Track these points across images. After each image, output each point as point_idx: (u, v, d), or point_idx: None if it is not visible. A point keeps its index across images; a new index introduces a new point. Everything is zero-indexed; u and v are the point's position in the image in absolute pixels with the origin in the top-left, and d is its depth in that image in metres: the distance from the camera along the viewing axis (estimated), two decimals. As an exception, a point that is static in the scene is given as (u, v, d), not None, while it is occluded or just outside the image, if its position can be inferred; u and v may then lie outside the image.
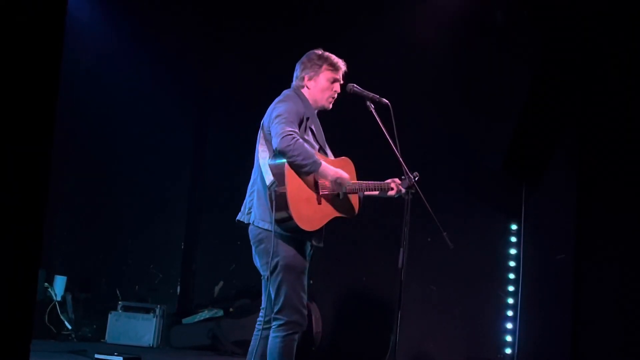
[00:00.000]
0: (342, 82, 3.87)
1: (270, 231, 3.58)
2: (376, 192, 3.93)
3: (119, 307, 6.77)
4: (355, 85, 3.89)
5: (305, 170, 3.57)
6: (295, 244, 3.64)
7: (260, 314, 3.79)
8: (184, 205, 7.45)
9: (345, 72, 3.87)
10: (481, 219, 6.23)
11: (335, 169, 3.71)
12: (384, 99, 3.86)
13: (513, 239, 6.14)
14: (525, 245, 6.06)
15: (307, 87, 3.82)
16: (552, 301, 5.95)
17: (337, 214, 3.76)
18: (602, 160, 5.87)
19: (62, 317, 6.58)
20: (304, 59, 3.87)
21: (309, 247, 3.74)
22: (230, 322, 6.57)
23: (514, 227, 6.15)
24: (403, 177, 3.88)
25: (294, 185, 3.55)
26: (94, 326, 6.85)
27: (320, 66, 3.81)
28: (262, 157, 3.67)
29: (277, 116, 3.59)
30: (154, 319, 6.64)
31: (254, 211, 3.69)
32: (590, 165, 5.91)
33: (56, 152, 2.26)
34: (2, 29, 2.10)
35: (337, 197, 3.76)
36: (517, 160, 5.97)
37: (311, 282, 6.57)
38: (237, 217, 3.79)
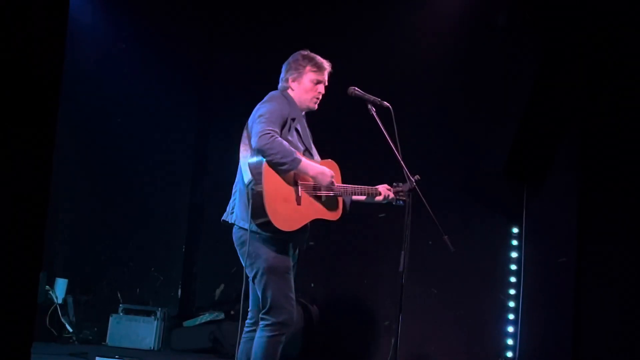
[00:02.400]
0: (326, 83, 3.86)
1: (252, 232, 3.57)
2: (363, 197, 3.88)
3: (120, 309, 6.76)
4: (356, 88, 3.89)
5: (285, 169, 3.54)
6: (277, 244, 3.62)
7: (249, 315, 3.81)
8: (185, 208, 7.44)
9: (330, 72, 3.85)
10: (482, 222, 6.23)
11: (317, 165, 3.69)
12: (385, 102, 3.86)
13: (514, 242, 6.13)
14: (527, 248, 6.06)
15: (292, 89, 3.83)
16: (553, 304, 5.94)
17: (319, 216, 3.74)
18: (604, 163, 5.86)
19: (63, 319, 6.57)
20: (290, 59, 3.87)
21: (292, 247, 3.72)
22: (231, 325, 6.54)
23: (515, 230, 6.14)
24: (395, 183, 3.87)
25: (272, 184, 3.53)
26: (95, 329, 6.85)
27: (304, 67, 3.80)
28: (243, 156, 3.67)
29: (259, 116, 3.61)
30: (155, 321, 6.63)
31: (236, 211, 3.69)
32: (592, 167, 5.91)
33: (57, 154, 2.26)
34: (5, 30, 2.10)
35: (320, 199, 3.74)
36: (518, 162, 5.96)
37: (312, 285, 6.57)
38: (222, 217, 3.79)
